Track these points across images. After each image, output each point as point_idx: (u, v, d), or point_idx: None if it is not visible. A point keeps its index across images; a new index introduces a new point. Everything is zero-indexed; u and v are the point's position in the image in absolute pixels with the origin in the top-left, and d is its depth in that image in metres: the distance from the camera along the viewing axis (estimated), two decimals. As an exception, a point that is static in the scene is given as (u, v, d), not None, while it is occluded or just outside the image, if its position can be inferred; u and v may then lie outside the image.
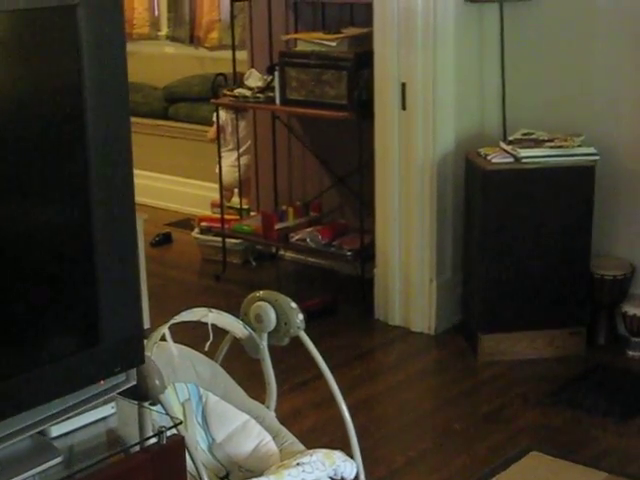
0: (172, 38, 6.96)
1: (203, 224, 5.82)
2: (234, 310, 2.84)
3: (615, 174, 4.44)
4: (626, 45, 4.35)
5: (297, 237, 5.21)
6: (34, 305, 1.89)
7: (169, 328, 2.59)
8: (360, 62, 4.71)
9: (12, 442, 1.91)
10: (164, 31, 7.06)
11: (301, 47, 5.01)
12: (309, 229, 5.22)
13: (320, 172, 5.46)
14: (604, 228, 4.45)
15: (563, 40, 4.52)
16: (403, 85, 4.50)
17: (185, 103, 6.68)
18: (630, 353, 4.41)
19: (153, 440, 2.11)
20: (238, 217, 5.65)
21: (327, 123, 5.17)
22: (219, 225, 5.53)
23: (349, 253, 5.01)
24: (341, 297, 5.05)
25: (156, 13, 7.08)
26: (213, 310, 2.74)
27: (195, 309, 2.70)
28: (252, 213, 5.71)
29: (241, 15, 5.90)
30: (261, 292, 2.82)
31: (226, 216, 5.53)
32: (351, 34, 4.87)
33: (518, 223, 4.25)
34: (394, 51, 4.49)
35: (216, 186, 5.65)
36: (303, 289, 5.19)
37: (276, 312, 2.77)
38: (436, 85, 4.45)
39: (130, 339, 2.06)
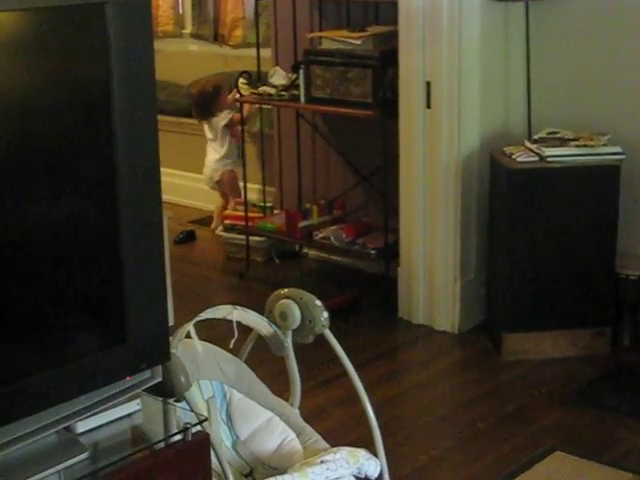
0: (196, 36, 6.97)
1: (227, 222, 5.83)
2: (258, 308, 2.84)
3: (641, 173, 4.42)
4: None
5: (321, 235, 5.21)
6: (61, 303, 1.90)
7: (194, 325, 2.59)
8: (385, 60, 4.70)
9: (39, 438, 1.92)
10: (188, 29, 7.06)
11: (326, 45, 5.01)
12: (333, 227, 5.21)
13: (344, 170, 5.45)
14: (629, 227, 4.42)
15: (589, 39, 4.50)
16: (428, 84, 4.49)
17: (209, 101, 6.67)
18: (655, 353, 4.39)
19: (178, 437, 2.12)
20: (262, 215, 5.66)
21: (352, 121, 5.16)
22: (243, 223, 5.53)
23: (373, 251, 5.00)
24: (365, 295, 5.05)
25: (180, 11, 7.09)
26: (238, 307, 2.74)
27: (220, 306, 2.71)
28: (276, 211, 5.71)
29: (265, 13, 5.90)
30: (286, 290, 2.82)
31: (250, 214, 5.54)
32: (376, 32, 4.86)
33: (543, 222, 4.23)
34: (419, 49, 4.48)
35: (241, 184, 5.69)
36: (326, 287, 5.17)
37: (301, 310, 2.77)
38: (461, 84, 4.44)
39: (156, 336, 2.07)
